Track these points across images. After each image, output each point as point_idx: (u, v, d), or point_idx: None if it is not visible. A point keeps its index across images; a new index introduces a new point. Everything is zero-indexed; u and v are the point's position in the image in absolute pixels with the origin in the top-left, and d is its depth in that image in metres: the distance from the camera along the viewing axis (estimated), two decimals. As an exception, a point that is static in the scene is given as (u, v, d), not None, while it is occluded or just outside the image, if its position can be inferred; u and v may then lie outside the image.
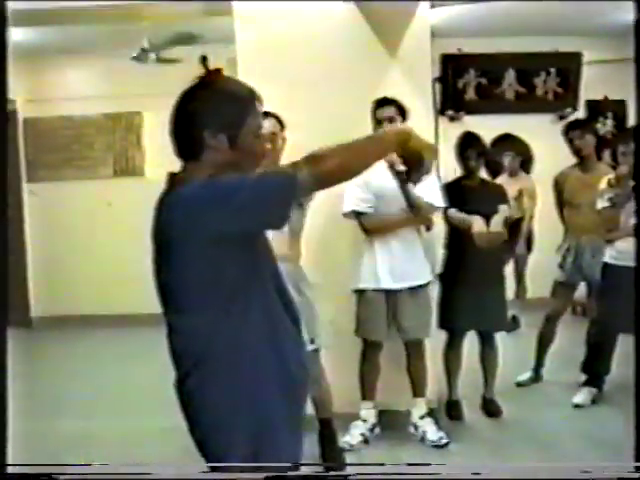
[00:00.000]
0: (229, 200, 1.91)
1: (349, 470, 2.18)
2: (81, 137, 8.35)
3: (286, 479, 2.01)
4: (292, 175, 1.94)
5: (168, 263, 2.02)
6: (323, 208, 4.22)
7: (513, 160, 7.51)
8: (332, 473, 2.16)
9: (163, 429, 4.42)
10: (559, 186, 5.68)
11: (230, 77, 2.14)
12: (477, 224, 4.71)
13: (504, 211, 4.90)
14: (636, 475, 2.11)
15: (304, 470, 2.25)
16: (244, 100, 2.06)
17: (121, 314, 7.96)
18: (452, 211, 4.81)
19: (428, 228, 4.60)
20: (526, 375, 5.68)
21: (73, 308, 8.26)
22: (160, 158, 8.25)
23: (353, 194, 4.33)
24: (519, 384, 5.64)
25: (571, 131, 5.51)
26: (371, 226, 4.38)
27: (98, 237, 8.20)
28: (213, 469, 2.05)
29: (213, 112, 2.01)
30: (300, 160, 1.96)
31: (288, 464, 2.06)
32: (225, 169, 2.02)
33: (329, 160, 1.99)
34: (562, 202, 5.67)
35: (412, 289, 4.40)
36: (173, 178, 2.10)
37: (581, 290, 5.82)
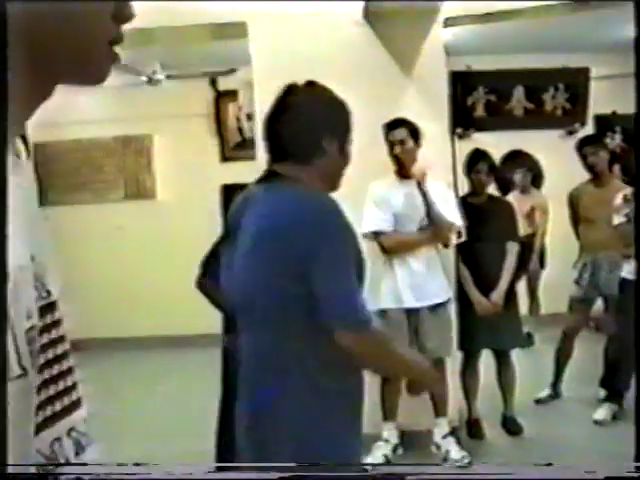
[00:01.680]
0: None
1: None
2: (91, 160, 8.36)
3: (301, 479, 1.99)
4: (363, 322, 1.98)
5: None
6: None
7: (524, 176, 7.54)
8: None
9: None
10: (574, 202, 5.68)
11: (326, 86, 2.21)
12: (476, 299, 4.79)
13: (512, 249, 4.91)
14: (636, 475, 2.09)
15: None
16: (349, 109, 2.17)
17: (137, 336, 7.94)
18: (463, 268, 4.84)
19: (446, 245, 4.59)
20: (545, 392, 5.66)
21: (86, 331, 8.26)
22: (171, 180, 8.31)
23: (372, 214, 4.34)
24: (538, 401, 5.61)
25: (584, 147, 5.53)
26: (391, 245, 4.38)
27: (111, 261, 8.19)
28: (219, 469, 2.04)
29: (332, 119, 2.12)
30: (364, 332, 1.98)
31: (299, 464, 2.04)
32: (332, 175, 2.14)
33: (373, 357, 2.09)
34: (577, 218, 5.66)
35: (433, 307, 4.40)
36: (280, 176, 2.10)
37: (600, 305, 5.81)
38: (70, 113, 8.35)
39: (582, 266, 5.52)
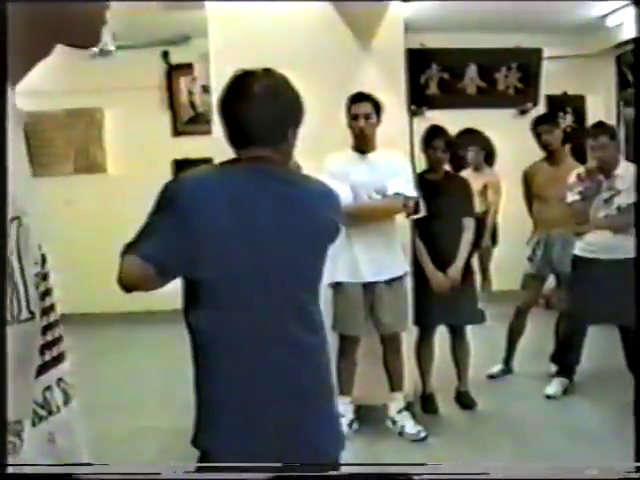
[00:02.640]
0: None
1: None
2: (40, 133, 8.16)
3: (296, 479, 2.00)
4: None
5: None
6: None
7: (477, 155, 7.59)
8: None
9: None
10: (528, 180, 5.73)
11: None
12: (432, 275, 4.81)
13: (469, 224, 4.96)
14: (636, 475, 2.13)
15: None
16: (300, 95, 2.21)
17: (86, 313, 7.81)
18: (416, 240, 4.85)
19: (408, 215, 4.58)
20: (497, 367, 5.73)
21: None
22: (122, 154, 8.17)
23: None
24: (491, 376, 5.68)
25: (539, 125, 5.57)
26: (348, 213, 4.35)
27: (60, 235, 8.03)
28: (216, 469, 2.03)
29: (296, 108, 2.18)
30: None
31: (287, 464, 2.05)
32: (289, 157, 2.24)
33: None
34: (531, 196, 5.72)
35: (389, 281, 4.40)
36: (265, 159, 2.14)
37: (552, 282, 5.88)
38: (19, 85, 8.16)
39: (535, 243, 5.58)
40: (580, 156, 5.61)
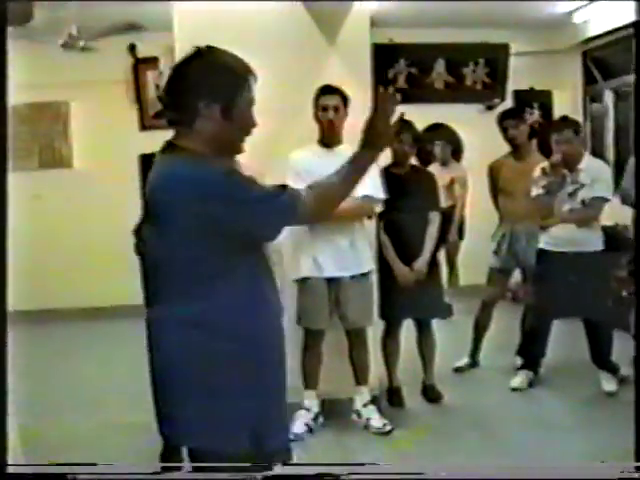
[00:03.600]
0: (240, 206, 2.02)
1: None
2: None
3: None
4: (295, 207, 2.10)
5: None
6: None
7: (444, 149, 7.61)
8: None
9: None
10: (494, 174, 5.75)
11: (226, 50, 2.17)
12: (397, 267, 4.80)
13: (435, 218, 4.96)
14: (636, 475, 2.14)
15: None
16: (239, 73, 2.13)
17: (52, 308, 7.74)
18: (381, 233, 4.85)
19: (369, 217, 4.59)
20: (463, 361, 5.76)
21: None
22: (88, 149, 8.09)
23: (293, 183, 4.29)
24: (457, 369, 5.71)
25: (505, 120, 5.59)
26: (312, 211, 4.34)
27: (27, 230, 7.95)
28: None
29: (209, 83, 2.07)
30: (309, 193, 2.14)
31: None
32: (217, 139, 2.10)
33: (330, 203, 2.24)
34: (497, 190, 5.74)
35: (354, 277, 4.40)
36: (171, 145, 2.13)
37: (518, 276, 5.92)
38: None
39: (501, 237, 5.61)
40: (546, 151, 5.62)
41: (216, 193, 2.00)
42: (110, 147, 7.81)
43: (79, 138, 8.16)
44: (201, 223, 1.98)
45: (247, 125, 2.16)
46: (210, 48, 2.16)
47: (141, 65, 7.99)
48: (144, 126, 8.09)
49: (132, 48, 7.91)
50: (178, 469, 2.16)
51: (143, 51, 7.91)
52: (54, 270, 7.64)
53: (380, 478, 2.19)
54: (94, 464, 2.06)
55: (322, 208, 2.20)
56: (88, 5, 6.27)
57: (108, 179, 7.63)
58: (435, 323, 5.28)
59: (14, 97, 8.28)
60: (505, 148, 5.69)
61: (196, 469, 2.09)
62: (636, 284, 4.08)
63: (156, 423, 2.21)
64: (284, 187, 2.11)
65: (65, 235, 7.78)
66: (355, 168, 2.24)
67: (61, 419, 4.80)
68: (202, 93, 2.06)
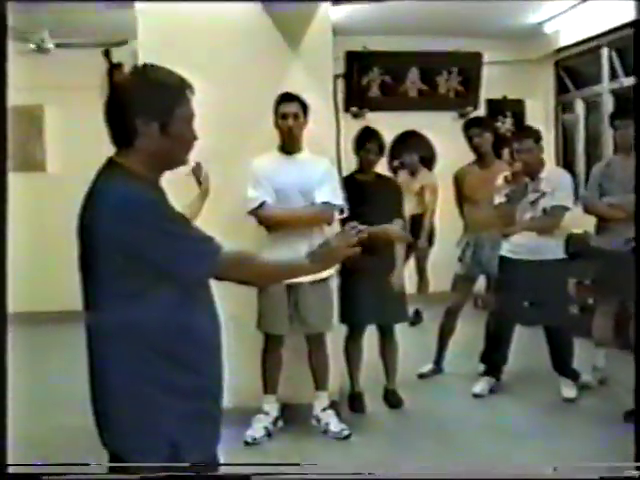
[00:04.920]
0: (161, 235, 2.01)
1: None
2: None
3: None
4: (214, 259, 2.07)
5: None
6: (222, 206, 4.23)
7: (412, 158, 7.65)
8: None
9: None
10: (459, 182, 5.79)
11: (162, 67, 2.15)
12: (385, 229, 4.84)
13: (398, 224, 5.01)
14: (636, 475, 2.16)
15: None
16: (174, 89, 2.10)
17: (22, 312, 7.71)
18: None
19: (329, 223, 4.63)
20: (427, 367, 5.79)
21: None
22: (61, 153, 8.10)
23: (254, 190, 4.35)
24: (421, 375, 5.75)
25: (470, 128, 5.64)
26: (270, 219, 4.38)
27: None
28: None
29: (145, 100, 2.06)
30: (233, 255, 2.14)
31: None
32: (157, 156, 2.09)
33: (250, 275, 2.24)
34: (462, 198, 5.79)
35: (313, 282, 4.41)
36: (111, 163, 2.12)
37: (482, 283, 5.97)
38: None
39: (465, 244, 5.66)
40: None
41: (140, 216, 1.99)
42: (83, 151, 7.80)
43: (53, 142, 8.17)
44: (122, 240, 1.98)
45: (187, 140, 2.14)
46: (146, 66, 2.16)
47: (116, 70, 8.00)
48: (117, 131, 8.10)
49: (107, 53, 7.94)
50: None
51: (117, 56, 7.93)
52: (25, 273, 7.63)
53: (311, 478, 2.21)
54: (87, 464, 2.07)
55: (240, 274, 2.18)
56: (60, 10, 6.29)
57: (80, 183, 7.60)
58: (403, 329, 5.33)
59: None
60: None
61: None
62: (636, 290, 4.09)
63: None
64: (211, 238, 2.09)
65: (37, 238, 7.78)
66: (292, 271, 2.44)
67: (60, 420, 4.79)
68: (139, 111, 2.04)
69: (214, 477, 2.18)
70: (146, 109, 2.05)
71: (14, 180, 8.14)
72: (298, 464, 2.37)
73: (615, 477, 2.20)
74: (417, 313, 7.33)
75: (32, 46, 7.04)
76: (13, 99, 7.81)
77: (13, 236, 7.71)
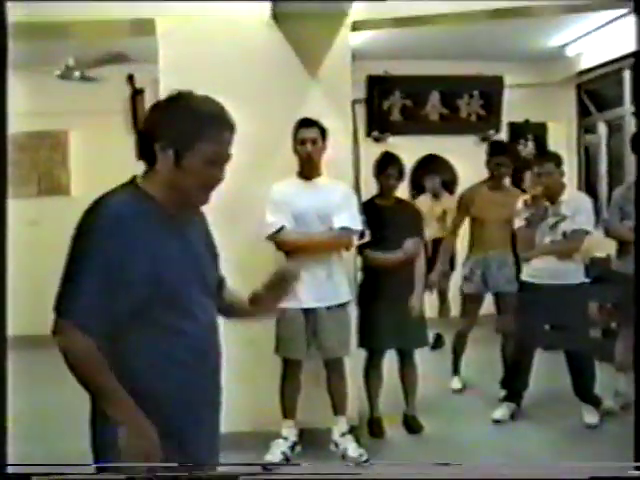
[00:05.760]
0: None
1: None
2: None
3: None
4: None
5: None
6: (240, 231, 4.25)
7: (434, 182, 7.67)
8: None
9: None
10: (467, 202, 5.85)
11: (203, 96, 2.09)
12: (398, 256, 4.87)
13: (415, 241, 5.01)
14: (636, 475, 2.14)
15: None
16: (201, 121, 2.02)
17: (46, 334, 7.78)
18: (371, 253, 4.91)
19: (347, 248, 4.64)
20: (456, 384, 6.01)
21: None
22: (86, 176, 8.19)
23: (272, 215, 4.37)
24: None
25: (496, 155, 5.67)
26: (288, 244, 4.39)
27: (23, 256, 8.02)
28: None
29: (166, 125, 2.02)
30: None
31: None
32: (171, 185, 2.05)
33: None
34: (469, 217, 5.87)
35: (332, 308, 4.44)
36: (132, 181, 2.13)
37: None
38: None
39: (473, 263, 5.75)
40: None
41: (123, 232, 1.97)
42: (107, 175, 7.86)
43: (77, 166, 8.29)
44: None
45: (203, 179, 2.04)
46: (185, 93, 2.10)
47: (138, 96, 8.11)
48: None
49: (130, 78, 8.04)
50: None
51: (140, 82, 8.03)
52: (51, 296, 7.69)
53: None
54: (87, 464, 2.07)
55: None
56: (83, 36, 6.38)
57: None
58: (424, 354, 5.32)
59: (15, 125, 8.42)
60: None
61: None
62: (635, 297, 4.06)
63: None
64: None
65: (61, 260, 7.84)
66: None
67: (60, 444, 4.80)
68: (159, 134, 2.02)
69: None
70: (165, 134, 2.01)
71: (40, 204, 8.32)
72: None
73: (615, 477, 2.18)
74: (438, 337, 7.30)
75: (57, 73, 7.16)
76: (39, 125, 7.99)
77: (41, 259, 7.83)
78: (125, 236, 1.97)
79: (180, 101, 2.07)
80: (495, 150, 5.81)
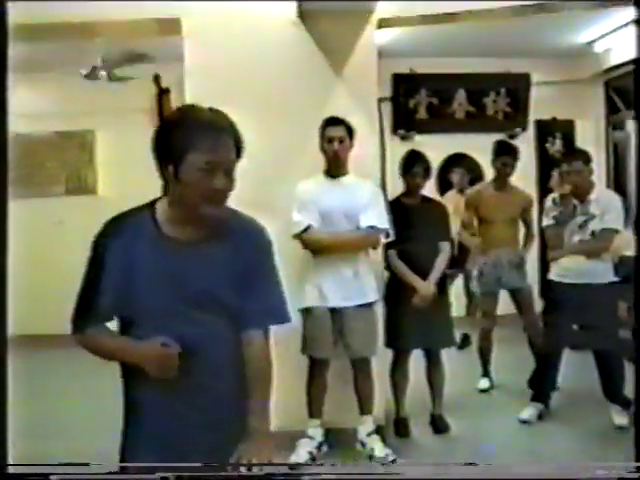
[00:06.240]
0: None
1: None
2: (32, 155, 8.25)
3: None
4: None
5: None
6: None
7: (462, 177, 7.65)
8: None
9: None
10: (474, 203, 5.91)
11: (198, 108, 2.06)
12: (417, 283, 4.82)
13: (445, 248, 4.99)
14: (636, 475, 2.12)
15: None
16: (190, 131, 1.99)
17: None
18: (394, 259, 4.88)
19: (374, 247, 4.62)
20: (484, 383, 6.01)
21: (26, 327, 8.13)
22: (113, 176, 8.24)
23: (299, 213, 4.35)
24: (481, 391, 5.95)
25: (502, 156, 5.79)
26: (315, 243, 4.39)
27: (51, 255, 8.09)
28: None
29: (162, 142, 2.04)
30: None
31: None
32: (176, 201, 2.07)
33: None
34: (478, 217, 5.94)
35: (358, 307, 4.42)
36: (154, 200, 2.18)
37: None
38: (12, 107, 8.23)
39: (483, 263, 5.82)
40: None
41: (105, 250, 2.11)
42: (133, 174, 7.93)
43: (104, 166, 8.34)
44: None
45: (202, 190, 1.99)
46: (184, 107, 2.12)
47: (164, 95, 8.13)
48: (167, 154, 8.24)
49: (156, 78, 8.06)
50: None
51: (166, 81, 8.06)
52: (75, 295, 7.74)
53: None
54: (87, 464, 2.07)
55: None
56: (110, 37, 6.42)
57: (131, 205, 7.73)
58: (452, 354, 5.31)
59: (42, 125, 8.52)
60: (522, 177, 5.96)
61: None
62: (635, 293, 4.03)
63: None
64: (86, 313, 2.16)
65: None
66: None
67: (60, 445, 4.83)
68: (159, 153, 2.04)
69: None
70: (162, 151, 2.03)
71: (67, 203, 8.36)
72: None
73: (615, 477, 2.15)
74: (465, 337, 7.25)
75: (84, 73, 7.19)
76: (67, 125, 8.03)
77: (68, 258, 7.84)
78: (105, 252, 2.11)
79: (175, 116, 2.12)
80: (501, 150, 5.86)
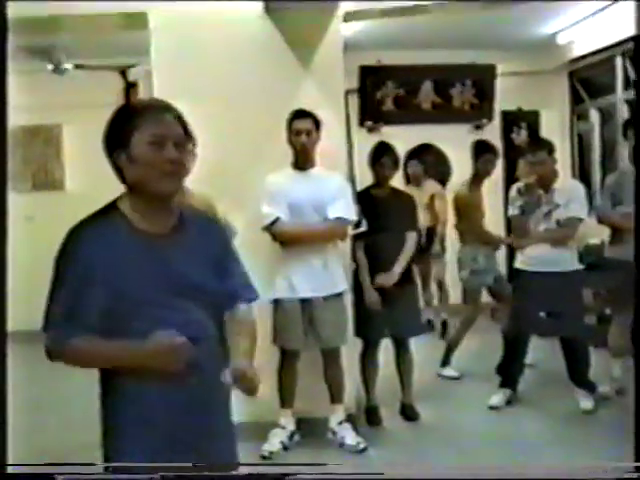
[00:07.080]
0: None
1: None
2: (-3, 149, 8.18)
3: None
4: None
5: None
6: (236, 223, 4.26)
7: (415, 168, 7.63)
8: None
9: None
10: (460, 204, 6.06)
11: (135, 99, 2.20)
12: (368, 292, 4.91)
13: (411, 237, 5.05)
14: (636, 475, 2.16)
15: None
16: (132, 114, 2.11)
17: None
18: (360, 252, 4.94)
19: (342, 238, 4.67)
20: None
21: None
22: (80, 171, 8.19)
23: (268, 206, 4.39)
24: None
25: (484, 154, 5.91)
26: (284, 235, 4.43)
27: (19, 252, 8.01)
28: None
29: (109, 134, 2.12)
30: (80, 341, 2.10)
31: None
32: (136, 187, 2.11)
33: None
34: (459, 214, 6.08)
35: (328, 298, 4.47)
36: (115, 202, 2.19)
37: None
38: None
39: (465, 255, 5.95)
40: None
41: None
42: (101, 170, 7.88)
43: (71, 160, 8.29)
44: None
45: (156, 164, 2.06)
46: (120, 106, 2.24)
47: (132, 89, 8.10)
48: (135, 148, 8.21)
49: (123, 72, 8.04)
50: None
51: (134, 75, 8.03)
52: (45, 291, 7.70)
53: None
54: (87, 464, 2.09)
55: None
56: (76, 30, 6.39)
57: (98, 201, 7.69)
58: (422, 340, 5.40)
59: (7, 120, 8.36)
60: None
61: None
62: (635, 292, 4.09)
63: None
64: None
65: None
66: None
67: (59, 439, 4.83)
68: (110, 147, 2.11)
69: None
70: (111, 142, 2.10)
71: (34, 199, 8.29)
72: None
73: (615, 477, 2.20)
74: (427, 322, 7.29)
75: (49, 67, 7.16)
76: (32, 119, 7.99)
77: (35, 254, 7.83)
78: (86, 258, 2.08)
79: (117, 109, 2.18)
80: (482, 148, 5.95)
